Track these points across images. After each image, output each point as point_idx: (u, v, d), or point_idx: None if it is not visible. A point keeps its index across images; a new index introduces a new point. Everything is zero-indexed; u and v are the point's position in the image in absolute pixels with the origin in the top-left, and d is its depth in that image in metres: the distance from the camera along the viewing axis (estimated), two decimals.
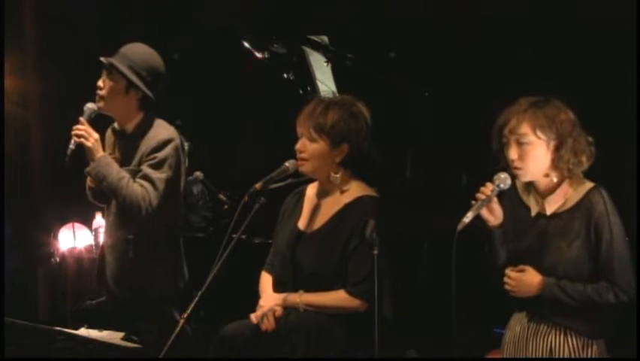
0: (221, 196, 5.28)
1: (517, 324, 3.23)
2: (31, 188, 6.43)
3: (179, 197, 3.89)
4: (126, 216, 3.79)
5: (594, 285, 3.05)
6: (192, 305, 3.27)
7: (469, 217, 3.05)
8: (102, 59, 3.78)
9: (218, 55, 6.12)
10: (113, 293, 3.94)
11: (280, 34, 5.12)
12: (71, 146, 3.71)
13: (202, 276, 3.33)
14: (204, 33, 6.18)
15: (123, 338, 3.33)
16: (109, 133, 3.94)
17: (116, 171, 3.70)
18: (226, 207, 5.21)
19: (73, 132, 3.72)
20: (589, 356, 3.10)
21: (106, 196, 3.87)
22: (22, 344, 3.12)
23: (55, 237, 5.86)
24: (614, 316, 3.13)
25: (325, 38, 5.09)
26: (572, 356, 3.09)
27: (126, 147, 3.83)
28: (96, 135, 3.74)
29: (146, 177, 3.71)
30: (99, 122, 3.87)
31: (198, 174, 5.34)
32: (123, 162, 3.81)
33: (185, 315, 3.28)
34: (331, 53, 5.01)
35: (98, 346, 3.16)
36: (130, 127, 3.83)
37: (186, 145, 5.31)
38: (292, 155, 3.56)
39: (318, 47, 5.03)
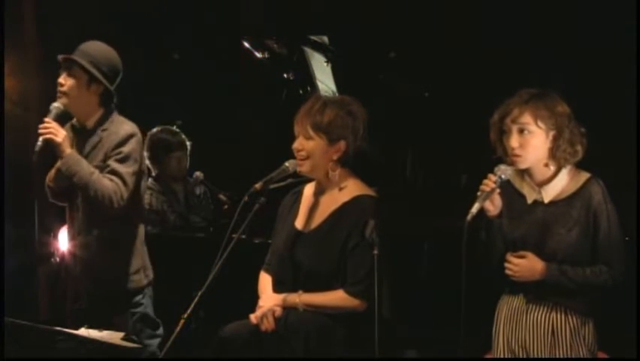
0: (222, 196, 5.28)
1: (515, 308, 3.31)
2: (31, 188, 6.42)
3: (140, 192, 3.95)
4: (93, 212, 3.83)
5: (592, 268, 3.21)
6: (192, 305, 3.27)
7: (476, 208, 3.14)
8: (60, 56, 3.87)
9: (218, 55, 6.12)
10: (86, 291, 3.95)
11: (280, 34, 5.12)
12: (39, 143, 3.76)
13: (202, 276, 3.33)
14: (204, 33, 6.18)
15: (123, 338, 3.32)
16: (67, 129, 3.96)
17: (86, 167, 3.75)
18: (226, 207, 5.21)
19: (40, 130, 3.77)
20: (587, 333, 3.25)
21: (65, 195, 3.93)
22: (22, 344, 3.12)
23: (55, 237, 5.85)
24: (605, 295, 3.27)
25: (325, 38, 5.09)
26: (573, 334, 3.24)
27: (86, 142, 3.88)
28: (64, 132, 3.80)
29: (114, 172, 3.76)
30: (64, 122, 3.90)
31: (198, 174, 5.35)
32: (87, 158, 3.84)
33: (185, 315, 3.28)
34: (331, 53, 5.01)
35: (98, 346, 3.16)
36: (90, 123, 3.89)
37: (188, 144, 5.34)
38: (292, 155, 3.56)
39: (318, 47, 5.04)
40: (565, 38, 4.92)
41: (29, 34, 6.33)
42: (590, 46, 4.80)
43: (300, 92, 5.03)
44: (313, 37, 5.05)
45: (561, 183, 3.25)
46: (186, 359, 3.90)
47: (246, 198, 3.44)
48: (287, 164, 3.55)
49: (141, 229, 3.97)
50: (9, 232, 5.46)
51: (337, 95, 4.82)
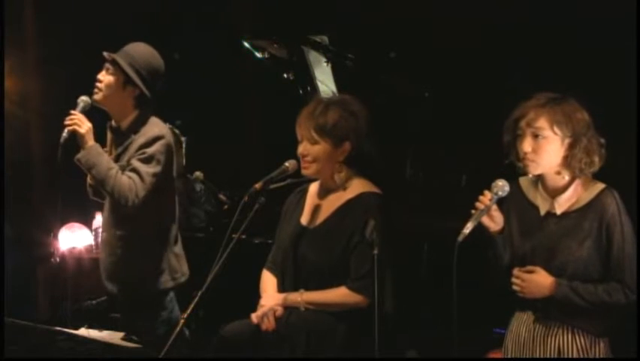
0: (221, 196, 5.28)
1: (522, 325, 3.22)
2: (31, 188, 6.43)
3: (170, 195, 3.92)
4: (119, 212, 3.82)
5: (604, 285, 3.06)
6: (192, 305, 3.27)
7: (468, 228, 3.04)
8: (105, 53, 3.86)
9: (218, 55, 6.12)
10: (107, 289, 3.97)
11: (280, 34, 5.12)
12: (64, 134, 3.74)
13: (202, 276, 3.33)
14: (204, 33, 6.18)
15: (123, 338, 3.32)
16: (108, 130, 3.97)
17: (105, 161, 3.74)
18: (226, 207, 5.21)
19: (65, 122, 3.75)
20: (597, 353, 3.12)
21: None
22: (22, 344, 3.12)
23: (55, 237, 5.85)
24: (619, 314, 3.14)
25: (325, 38, 5.09)
26: (581, 354, 3.11)
27: (120, 143, 3.88)
28: (89, 124, 3.77)
29: (133, 170, 3.74)
30: (94, 121, 3.87)
31: (198, 174, 5.35)
32: (118, 159, 3.84)
33: (185, 315, 3.28)
34: (331, 53, 5.01)
35: (98, 346, 3.16)
36: (125, 124, 3.88)
37: (183, 139, 5.32)
38: (293, 155, 3.57)
39: (318, 47, 5.03)
40: (565, 38, 4.92)
41: (29, 34, 6.33)
42: (591, 46, 4.79)
43: (300, 92, 5.03)
44: (313, 37, 5.05)
45: (574, 194, 3.12)
46: (186, 359, 3.90)
47: (246, 198, 3.44)
48: (287, 164, 3.55)
49: (170, 232, 3.91)
50: (9, 232, 5.47)
51: (337, 95, 4.81)
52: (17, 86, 6.22)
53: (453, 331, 3.02)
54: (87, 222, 5.85)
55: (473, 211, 3.10)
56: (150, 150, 3.76)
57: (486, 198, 3.10)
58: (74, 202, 5.09)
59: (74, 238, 5.83)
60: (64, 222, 5.87)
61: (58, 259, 5.81)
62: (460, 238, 3.01)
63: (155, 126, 3.85)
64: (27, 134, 6.38)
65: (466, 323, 3.10)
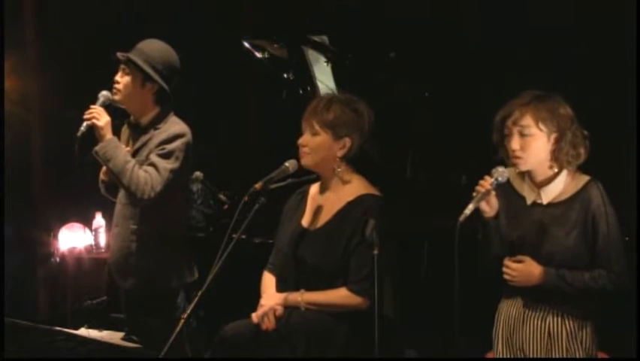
0: (221, 196, 5.28)
1: (513, 308, 3.33)
2: (31, 188, 6.43)
3: (183, 193, 3.94)
4: (135, 206, 3.82)
5: (591, 273, 3.19)
6: (192, 305, 3.27)
7: (470, 209, 3.14)
8: (119, 54, 3.84)
9: (218, 55, 6.12)
10: (115, 282, 3.96)
11: (280, 34, 5.12)
12: (82, 128, 3.73)
13: (202, 276, 3.33)
14: (205, 33, 6.18)
15: (123, 338, 3.33)
16: (124, 127, 3.99)
17: (123, 154, 3.73)
18: (226, 207, 5.21)
19: (85, 116, 3.73)
20: (584, 336, 3.25)
21: (118, 190, 3.92)
22: (22, 344, 3.12)
23: (55, 237, 5.85)
24: (604, 300, 3.26)
25: (325, 38, 5.09)
26: (570, 337, 3.24)
27: (140, 140, 3.88)
28: (107, 118, 3.76)
29: (152, 164, 3.74)
30: (113, 119, 3.87)
31: (198, 174, 5.34)
32: (136, 154, 3.84)
33: (185, 315, 3.28)
34: (331, 53, 5.01)
35: (98, 346, 3.16)
36: (145, 120, 3.88)
37: None
38: (293, 155, 3.57)
39: (318, 46, 5.04)
40: (564, 38, 4.92)
41: (29, 34, 6.33)
42: (590, 46, 4.79)
43: (300, 92, 5.03)
44: (313, 37, 5.05)
45: (560, 185, 3.24)
46: (186, 359, 3.90)
47: (246, 198, 3.44)
48: (287, 164, 3.56)
49: (181, 231, 3.93)
50: (9, 231, 5.47)
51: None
52: (17, 86, 6.21)
53: (455, 317, 3.07)
54: (87, 222, 5.85)
55: (474, 194, 3.19)
56: (170, 147, 3.76)
57: (487, 182, 3.20)
58: (74, 202, 5.09)
59: (74, 238, 5.83)
60: (64, 222, 5.88)
61: (58, 259, 5.82)
62: (462, 218, 3.12)
63: (177, 124, 3.86)
64: (27, 134, 6.38)
65: (466, 323, 3.11)
